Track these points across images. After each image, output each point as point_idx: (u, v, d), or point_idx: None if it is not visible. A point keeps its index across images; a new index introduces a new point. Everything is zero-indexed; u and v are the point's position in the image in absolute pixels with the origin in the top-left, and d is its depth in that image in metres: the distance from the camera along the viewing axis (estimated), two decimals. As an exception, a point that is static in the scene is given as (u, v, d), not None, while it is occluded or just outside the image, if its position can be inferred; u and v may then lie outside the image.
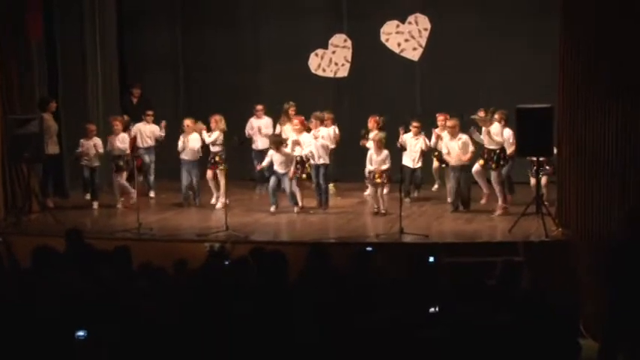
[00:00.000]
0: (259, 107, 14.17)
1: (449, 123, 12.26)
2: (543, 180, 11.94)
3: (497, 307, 6.49)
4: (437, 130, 12.95)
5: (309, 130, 12.95)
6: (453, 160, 12.18)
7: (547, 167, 11.98)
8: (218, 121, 12.98)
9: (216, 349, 6.09)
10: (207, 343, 6.12)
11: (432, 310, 6.54)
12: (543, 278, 8.63)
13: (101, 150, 13.03)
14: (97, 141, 13.04)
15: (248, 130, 14.12)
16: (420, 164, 13.07)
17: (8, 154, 12.37)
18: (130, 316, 6.30)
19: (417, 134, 12.96)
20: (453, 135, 12.13)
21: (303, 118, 13.23)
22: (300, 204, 12.52)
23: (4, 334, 6.21)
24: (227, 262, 8.05)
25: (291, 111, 13.65)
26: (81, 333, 5.96)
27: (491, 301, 6.62)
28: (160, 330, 6.19)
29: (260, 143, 14.01)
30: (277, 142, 12.61)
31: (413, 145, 12.88)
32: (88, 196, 13.34)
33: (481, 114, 12.46)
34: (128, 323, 6.22)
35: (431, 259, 7.88)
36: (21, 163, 12.47)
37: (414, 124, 12.98)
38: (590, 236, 10.08)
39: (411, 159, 12.91)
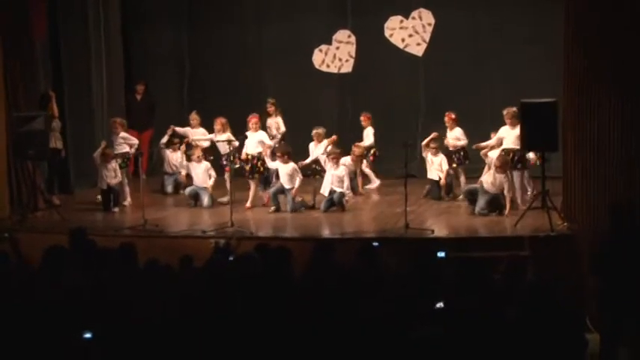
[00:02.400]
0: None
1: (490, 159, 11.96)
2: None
3: (502, 301, 6.49)
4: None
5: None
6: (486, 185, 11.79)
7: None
8: (224, 124, 12.99)
9: (221, 345, 6.10)
10: (212, 339, 6.12)
11: (437, 304, 6.54)
12: (549, 273, 8.63)
13: (120, 175, 12.81)
14: (114, 164, 12.83)
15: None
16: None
17: (13, 151, 12.39)
18: (134, 314, 6.31)
19: (435, 154, 12.83)
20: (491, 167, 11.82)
21: (258, 116, 13.05)
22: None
23: (8, 331, 6.22)
24: (232, 258, 8.06)
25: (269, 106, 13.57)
26: (87, 335, 5.97)
27: (497, 296, 6.62)
28: (164, 326, 6.19)
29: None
30: (285, 152, 12.42)
31: (436, 162, 12.82)
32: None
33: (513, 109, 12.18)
34: (132, 321, 6.23)
35: (441, 254, 7.87)
36: (26, 161, 12.49)
37: (432, 145, 12.86)
38: (596, 230, 10.06)
39: (434, 174, 12.87)
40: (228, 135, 12.88)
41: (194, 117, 13.78)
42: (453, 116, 12.96)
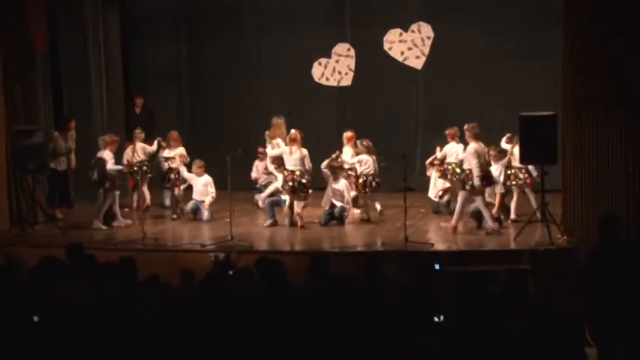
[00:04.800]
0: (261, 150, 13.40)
1: (492, 152, 11.84)
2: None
3: (502, 315, 6.48)
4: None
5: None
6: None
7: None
8: (177, 139, 13.07)
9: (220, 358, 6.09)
10: (212, 352, 6.12)
11: (436, 318, 6.53)
12: (548, 286, 8.62)
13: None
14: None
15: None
16: (444, 199, 12.85)
17: (13, 164, 12.39)
18: (134, 326, 6.30)
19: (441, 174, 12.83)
20: (495, 160, 11.81)
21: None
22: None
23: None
24: (231, 272, 8.06)
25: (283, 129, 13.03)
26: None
27: (496, 310, 6.61)
28: (163, 339, 6.19)
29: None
30: (281, 163, 12.34)
31: (440, 183, 12.82)
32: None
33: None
34: (131, 332, 6.22)
35: (436, 266, 7.87)
36: (26, 174, 12.49)
37: (436, 162, 12.79)
38: (595, 243, 10.05)
39: (434, 193, 12.88)
40: (181, 150, 12.90)
41: (138, 134, 13.22)
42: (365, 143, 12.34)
